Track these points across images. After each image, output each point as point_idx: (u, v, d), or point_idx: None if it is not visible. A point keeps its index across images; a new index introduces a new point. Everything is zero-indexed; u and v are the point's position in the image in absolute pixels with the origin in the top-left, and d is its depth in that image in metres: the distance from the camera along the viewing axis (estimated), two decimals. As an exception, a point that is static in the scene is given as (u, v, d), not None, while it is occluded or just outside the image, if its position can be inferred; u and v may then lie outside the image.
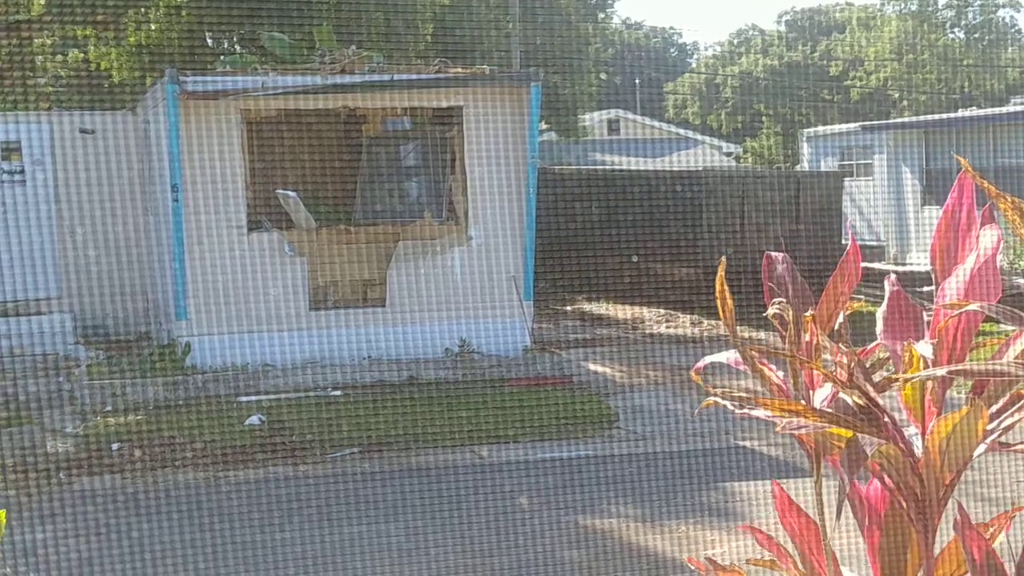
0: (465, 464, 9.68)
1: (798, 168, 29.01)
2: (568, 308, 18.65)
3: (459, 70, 13.83)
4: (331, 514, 8.41)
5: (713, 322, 16.38)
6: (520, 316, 13.40)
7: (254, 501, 8.71)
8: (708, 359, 3.21)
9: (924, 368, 2.68)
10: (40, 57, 22.38)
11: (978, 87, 49.63)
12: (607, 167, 29.48)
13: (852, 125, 26.47)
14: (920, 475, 2.68)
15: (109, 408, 11.52)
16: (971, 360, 2.77)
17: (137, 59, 20.19)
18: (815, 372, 2.90)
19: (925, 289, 3.38)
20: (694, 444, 10.28)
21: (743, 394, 2.78)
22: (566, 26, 30.24)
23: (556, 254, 19.20)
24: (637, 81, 61.82)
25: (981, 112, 23.91)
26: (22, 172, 15.13)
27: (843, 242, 17.89)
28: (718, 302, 3.04)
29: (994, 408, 2.67)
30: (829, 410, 2.77)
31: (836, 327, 3.03)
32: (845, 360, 2.75)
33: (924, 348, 2.71)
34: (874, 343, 3.02)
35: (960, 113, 25.42)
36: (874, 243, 23.01)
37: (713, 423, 10.54)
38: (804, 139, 27.69)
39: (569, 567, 7.28)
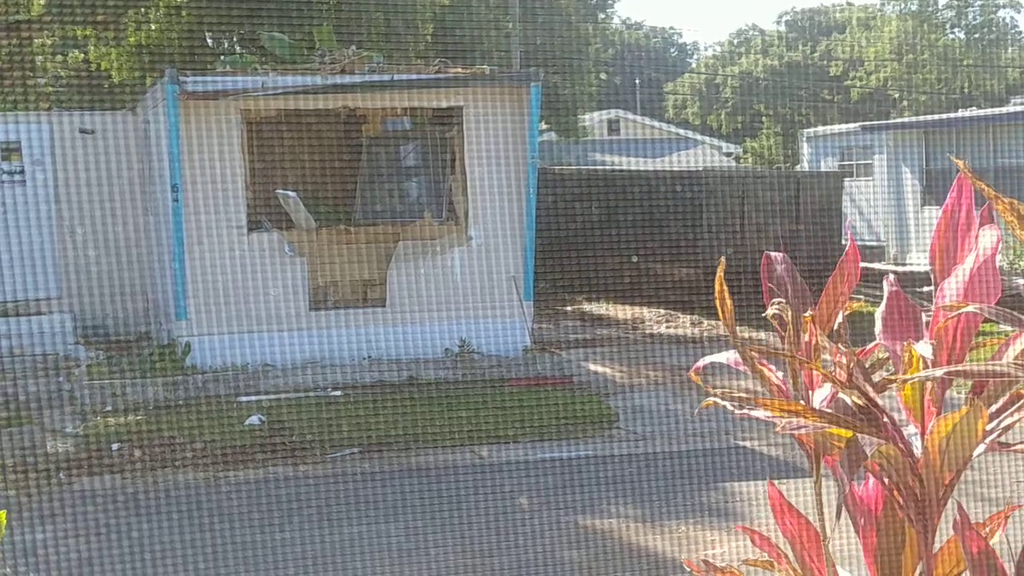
0: (465, 464, 9.68)
1: (798, 168, 28.99)
2: (568, 308, 18.64)
3: (459, 70, 13.82)
4: (331, 514, 8.41)
5: (713, 322, 16.37)
6: (520, 316, 13.40)
7: (254, 501, 8.71)
8: (708, 359, 3.21)
9: (923, 368, 2.68)
10: (40, 57, 22.37)
11: (978, 87, 49.61)
12: (607, 167, 29.47)
13: (852, 125, 26.46)
14: (920, 475, 2.68)
15: (109, 408, 11.53)
16: (970, 360, 2.77)
17: (137, 59, 20.18)
18: (814, 372, 2.90)
19: (925, 289, 3.38)
20: (694, 444, 10.28)
21: (743, 394, 2.78)
22: (566, 26, 30.23)
23: (556, 254, 19.18)
24: (637, 81, 61.81)
25: (981, 112, 23.90)
26: (22, 172, 15.13)
27: (843, 242, 17.89)
28: (718, 302, 3.04)
29: (993, 408, 2.67)
30: (828, 410, 2.77)
31: (835, 327, 3.03)
32: (844, 360, 2.75)
33: (923, 348, 2.71)
34: (873, 343, 3.02)
35: (960, 113, 25.41)
36: (874, 243, 23.00)
37: (713, 423, 10.53)
38: (804, 139, 27.68)
39: (569, 567, 7.28)
